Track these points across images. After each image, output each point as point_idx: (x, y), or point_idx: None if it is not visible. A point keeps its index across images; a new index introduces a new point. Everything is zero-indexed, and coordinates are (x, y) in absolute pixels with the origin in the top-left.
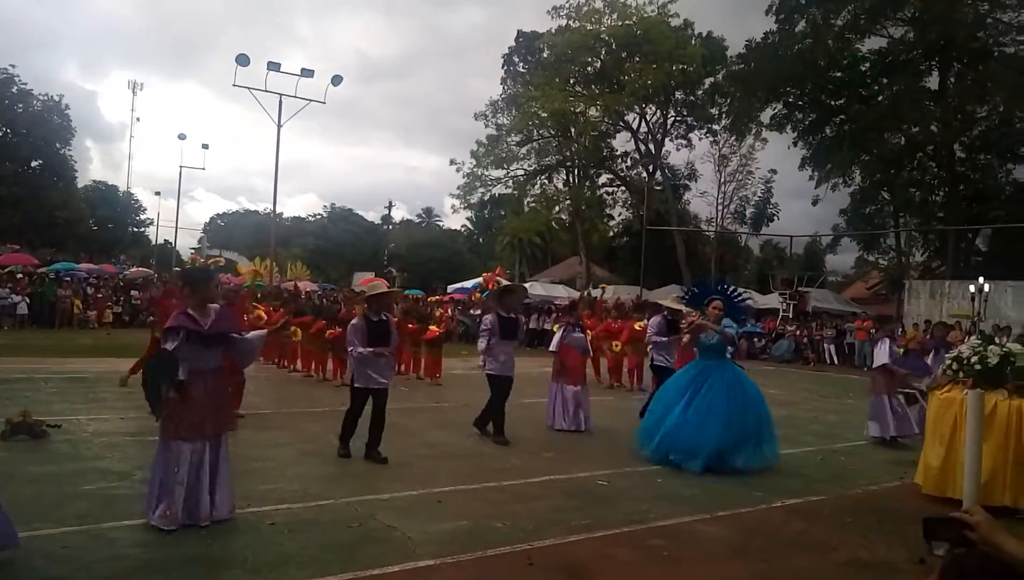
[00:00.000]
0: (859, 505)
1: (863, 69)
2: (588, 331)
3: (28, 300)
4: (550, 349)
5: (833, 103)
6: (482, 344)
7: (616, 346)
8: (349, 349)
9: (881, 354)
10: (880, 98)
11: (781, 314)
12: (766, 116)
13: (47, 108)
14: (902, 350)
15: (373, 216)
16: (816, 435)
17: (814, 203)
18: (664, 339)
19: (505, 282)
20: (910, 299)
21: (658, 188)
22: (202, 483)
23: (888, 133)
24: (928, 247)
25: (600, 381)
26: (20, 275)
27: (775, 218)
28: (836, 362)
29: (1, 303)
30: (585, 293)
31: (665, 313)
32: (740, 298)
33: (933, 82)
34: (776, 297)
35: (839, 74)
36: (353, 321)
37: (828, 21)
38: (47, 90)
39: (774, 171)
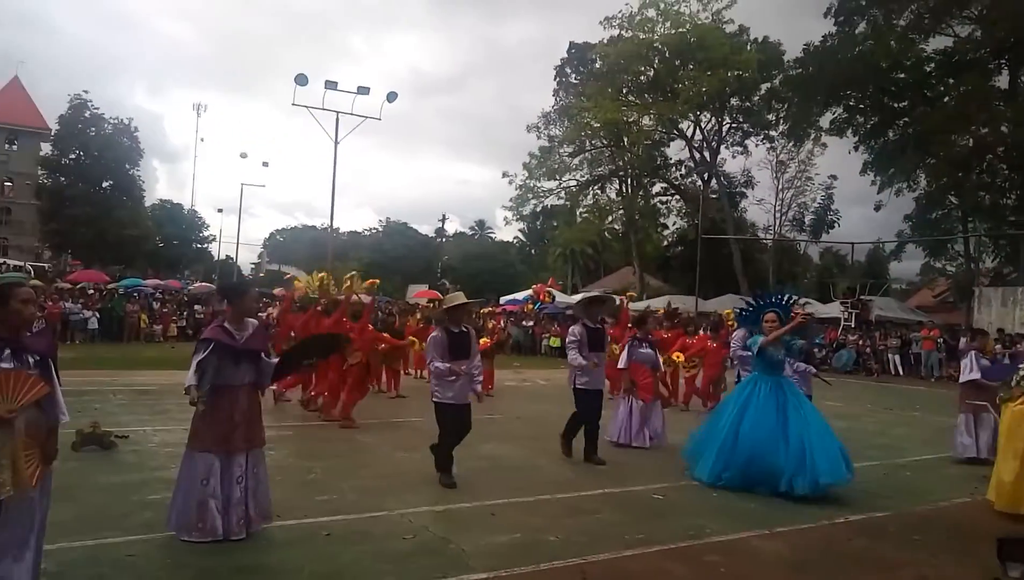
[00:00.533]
0: (927, 522)
1: (928, 70)
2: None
3: (98, 315)
4: (618, 366)
5: (896, 105)
6: (577, 357)
7: (680, 362)
8: (428, 362)
9: (971, 369)
10: (946, 99)
11: (843, 323)
12: (825, 120)
13: (118, 131)
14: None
15: (427, 229)
16: (881, 449)
17: (877, 209)
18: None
19: (589, 294)
20: (980, 307)
21: (713, 196)
22: (232, 497)
23: (955, 135)
24: (999, 253)
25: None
26: (91, 291)
27: (836, 225)
28: (901, 373)
29: (73, 318)
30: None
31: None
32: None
33: (1003, 81)
34: (837, 306)
35: (902, 75)
36: (433, 333)
37: (890, 21)
38: (117, 114)
39: (834, 177)
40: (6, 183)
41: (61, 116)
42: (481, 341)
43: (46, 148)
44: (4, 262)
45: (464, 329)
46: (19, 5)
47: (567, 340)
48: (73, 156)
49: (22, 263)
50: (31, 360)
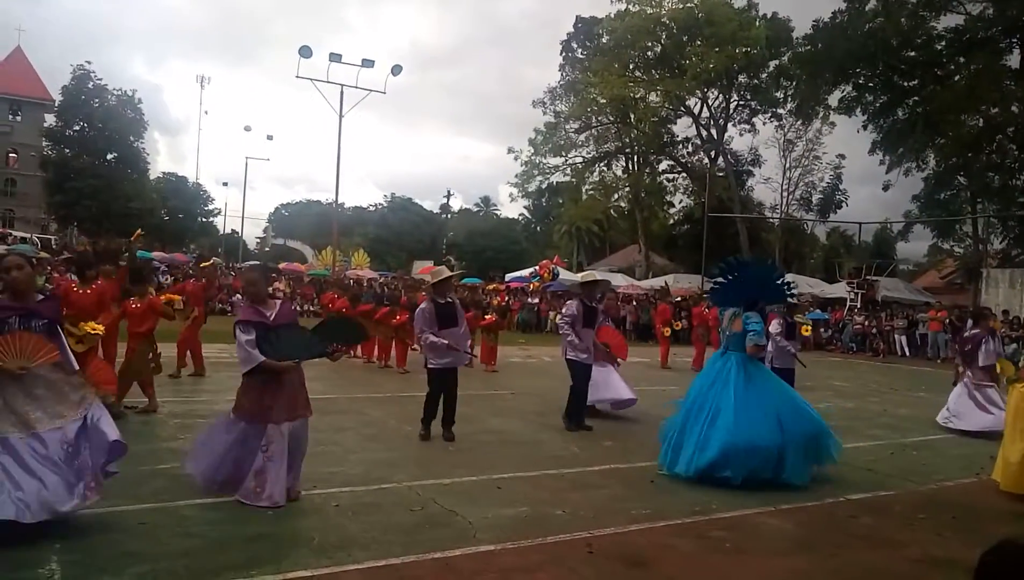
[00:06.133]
0: (932, 501)
1: (938, 48)
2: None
3: None
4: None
5: (906, 84)
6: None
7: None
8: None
9: (989, 354)
10: (957, 78)
11: (848, 303)
12: (834, 99)
13: (121, 103)
14: None
15: (431, 205)
16: (886, 428)
17: (885, 188)
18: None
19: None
20: (988, 288)
21: (720, 174)
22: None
23: (965, 115)
24: (1008, 234)
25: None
26: None
27: (843, 205)
28: (907, 354)
29: None
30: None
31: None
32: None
33: (1014, 60)
34: (843, 286)
35: (912, 54)
36: (421, 305)
37: None
38: (115, 84)
39: (842, 156)
40: (11, 154)
41: (64, 87)
42: (486, 317)
43: (50, 119)
44: (10, 233)
45: (449, 300)
46: None
47: (563, 314)
48: (77, 128)
49: (28, 235)
50: (37, 324)
